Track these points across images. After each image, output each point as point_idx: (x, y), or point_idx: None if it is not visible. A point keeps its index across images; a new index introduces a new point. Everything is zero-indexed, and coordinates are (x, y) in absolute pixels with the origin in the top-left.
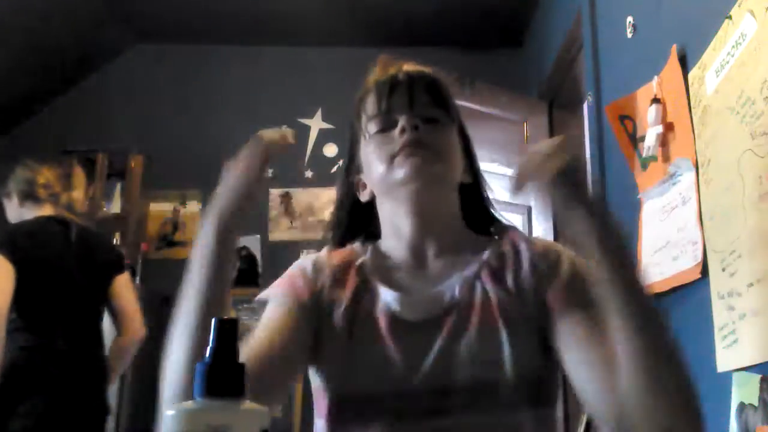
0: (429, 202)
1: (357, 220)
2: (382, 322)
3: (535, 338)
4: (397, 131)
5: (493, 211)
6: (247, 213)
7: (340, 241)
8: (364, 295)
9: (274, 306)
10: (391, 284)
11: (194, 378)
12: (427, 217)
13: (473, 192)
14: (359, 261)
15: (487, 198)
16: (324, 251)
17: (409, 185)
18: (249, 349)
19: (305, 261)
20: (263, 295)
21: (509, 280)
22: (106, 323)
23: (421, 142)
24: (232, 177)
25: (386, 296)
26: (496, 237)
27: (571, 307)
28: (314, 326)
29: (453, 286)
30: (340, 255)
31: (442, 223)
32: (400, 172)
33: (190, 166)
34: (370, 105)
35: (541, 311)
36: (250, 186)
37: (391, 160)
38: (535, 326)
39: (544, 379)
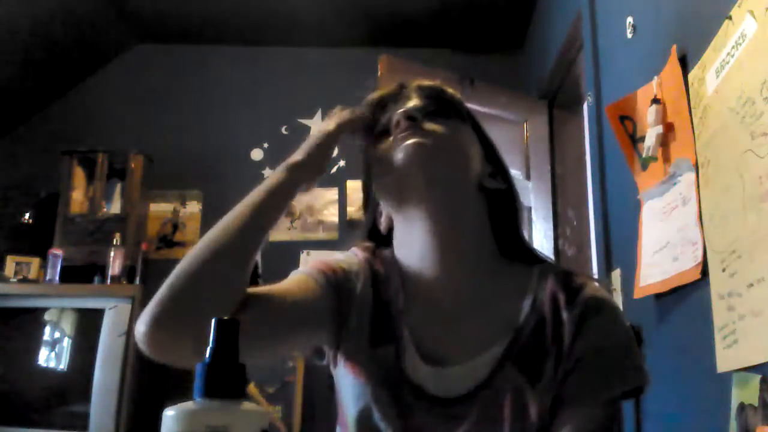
0: (443, 202)
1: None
2: (410, 394)
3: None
4: (392, 127)
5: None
6: (323, 171)
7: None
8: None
9: (303, 273)
10: (422, 339)
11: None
12: (446, 227)
13: (504, 203)
14: (393, 286)
15: (518, 211)
16: (357, 252)
17: (411, 169)
18: (264, 289)
19: (348, 257)
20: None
21: (544, 365)
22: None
23: (421, 127)
24: (318, 134)
25: (417, 366)
26: (533, 275)
27: (577, 400)
28: (336, 323)
29: (486, 364)
30: (377, 260)
31: (465, 241)
32: (399, 156)
33: (190, 166)
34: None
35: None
36: (332, 145)
37: (388, 153)
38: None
39: None
